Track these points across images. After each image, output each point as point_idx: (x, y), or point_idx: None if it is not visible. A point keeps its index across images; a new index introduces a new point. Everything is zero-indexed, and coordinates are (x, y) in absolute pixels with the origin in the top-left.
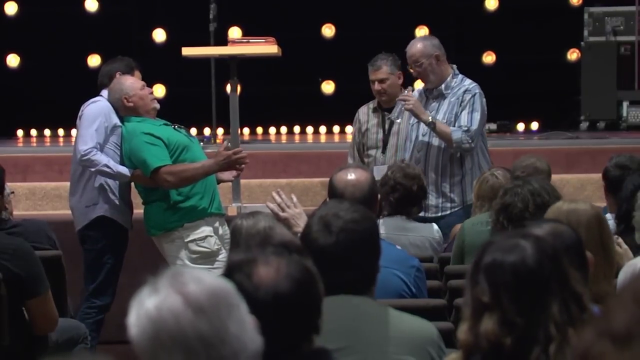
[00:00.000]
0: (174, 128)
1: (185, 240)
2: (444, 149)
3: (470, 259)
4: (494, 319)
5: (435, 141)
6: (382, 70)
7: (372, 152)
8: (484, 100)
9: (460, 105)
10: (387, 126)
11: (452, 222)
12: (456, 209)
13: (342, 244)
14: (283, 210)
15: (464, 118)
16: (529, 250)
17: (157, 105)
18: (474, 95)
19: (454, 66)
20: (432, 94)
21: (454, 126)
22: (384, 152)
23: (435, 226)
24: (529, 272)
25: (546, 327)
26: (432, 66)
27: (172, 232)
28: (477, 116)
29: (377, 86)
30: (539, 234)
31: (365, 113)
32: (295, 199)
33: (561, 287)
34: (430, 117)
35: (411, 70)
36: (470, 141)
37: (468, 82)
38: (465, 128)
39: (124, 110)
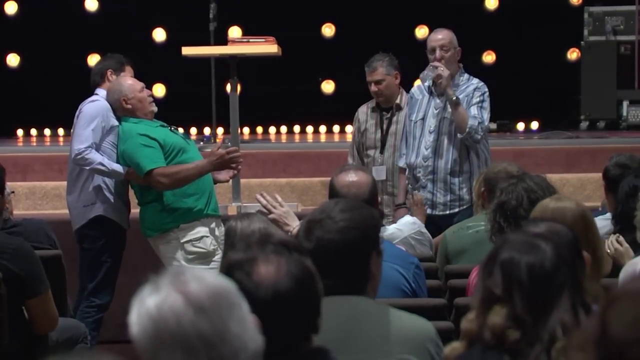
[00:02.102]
0: (170, 130)
1: (181, 241)
2: (452, 146)
3: (455, 264)
4: (503, 313)
5: (445, 139)
6: (378, 72)
7: (371, 152)
8: None
9: (469, 103)
10: (385, 126)
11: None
12: (465, 207)
13: (319, 252)
14: (270, 212)
15: (474, 111)
16: (548, 254)
17: (155, 108)
18: (483, 94)
19: (461, 65)
20: (438, 91)
21: None
22: (382, 152)
23: (409, 220)
24: (545, 274)
25: (552, 329)
26: (453, 58)
27: (168, 233)
28: (486, 114)
29: (373, 87)
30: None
31: (364, 112)
32: (279, 198)
33: (573, 293)
34: (455, 96)
35: (430, 56)
36: (481, 133)
37: (476, 81)
38: (480, 120)
39: (122, 111)
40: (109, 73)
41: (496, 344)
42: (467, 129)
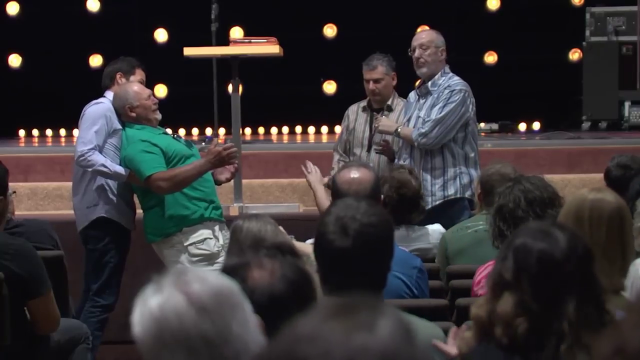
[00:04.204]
0: (174, 137)
1: (185, 244)
2: None
3: (455, 264)
4: (511, 301)
5: None
6: (378, 71)
7: (357, 150)
8: (468, 98)
9: (438, 100)
10: (374, 126)
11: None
12: (437, 203)
13: (359, 247)
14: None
15: (432, 112)
16: (561, 243)
17: (159, 116)
18: (452, 91)
19: (447, 66)
20: (422, 92)
21: None
22: (369, 151)
23: (439, 230)
24: (553, 262)
25: (560, 324)
26: (434, 57)
27: (171, 237)
28: (447, 109)
29: (372, 86)
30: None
31: (354, 111)
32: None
33: (582, 288)
34: (394, 128)
35: (411, 54)
36: (426, 131)
37: (454, 80)
38: (427, 119)
39: (126, 118)
40: (118, 76)
41: (508, 344)
42: (415, 142)
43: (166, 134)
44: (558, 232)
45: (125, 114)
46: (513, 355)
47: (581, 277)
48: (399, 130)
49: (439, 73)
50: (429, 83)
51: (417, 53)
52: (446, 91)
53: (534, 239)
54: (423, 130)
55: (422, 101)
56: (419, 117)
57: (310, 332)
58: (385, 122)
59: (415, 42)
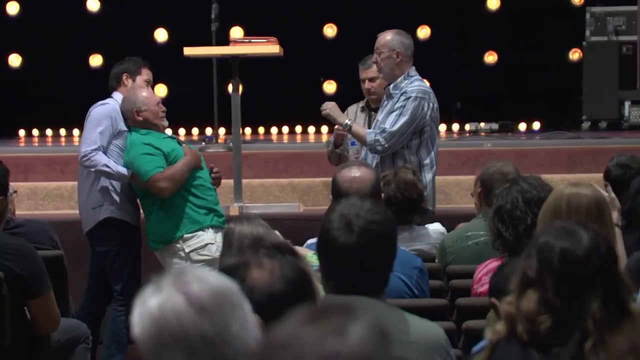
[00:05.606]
0: (178, 142)
1: (187, 251)
2: None
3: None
4: (535, 298)
5: None
6: (373, 69)
7: None
8: (424, 104)
9: (394, 107)
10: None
11: None
12: None
13: (363, 245)
14: None
15: (388, 119)
16: (584, 242)
17: (166, 123)
18: (407, 99)
19: (412, 68)
20: (387, 94)
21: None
22: None
23: (439, 229)
24: (575, 260)
25: (583, 322)
26: (389, 60)
27: (172, 244)
28: (402, 119)
29: (367, 85)
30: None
31: (353, 112)
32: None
33: (606, 287)
34: (346, 120)
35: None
36: (382, 143)
37: (413, 86)
38: (381, 129)
39: (133, 122)
40: (124, 77)
41: (528, 340)
42: (368, 145)
43: (172, 137)
44: (582, 231)
45: (132, 118)
46: (532, 351)
47: (604, 276)
48: (351, 124)
49: (402, 76)
50: (391, 86)
51: (373, 58)
52: (402, 97)
53: (557, 238)
54: (382, 141)
55: (385, 102)
56: (377, 119)
57: (285, 338)
58: (334, 109)
59: (375, 44)
